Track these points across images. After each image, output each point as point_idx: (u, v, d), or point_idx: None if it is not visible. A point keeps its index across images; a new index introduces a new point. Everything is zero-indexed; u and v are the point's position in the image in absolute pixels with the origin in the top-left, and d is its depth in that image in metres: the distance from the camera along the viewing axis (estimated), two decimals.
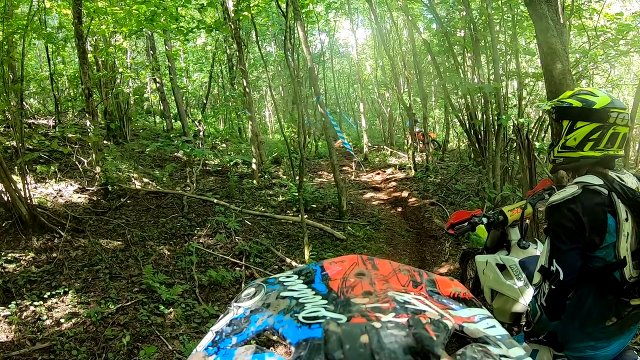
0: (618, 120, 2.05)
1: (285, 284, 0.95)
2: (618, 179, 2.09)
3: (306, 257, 6.15)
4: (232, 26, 9.82)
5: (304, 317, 0.77)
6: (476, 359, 0.66)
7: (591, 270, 2.08)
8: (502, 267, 3.37)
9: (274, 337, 0.76)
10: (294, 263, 6.20)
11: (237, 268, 5.93)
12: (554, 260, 2.06)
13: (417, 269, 1.02)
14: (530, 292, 3.08)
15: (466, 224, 3.45)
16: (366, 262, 1.02)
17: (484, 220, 3.43)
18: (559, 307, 2.11)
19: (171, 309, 4.72)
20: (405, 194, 10.80)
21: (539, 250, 3.36)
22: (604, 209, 2.02)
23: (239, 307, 0.90)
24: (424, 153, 13.67)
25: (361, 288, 0.87)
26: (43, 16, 8.49)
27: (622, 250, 2.02)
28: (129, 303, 4.71)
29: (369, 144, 18.23)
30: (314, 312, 0.78)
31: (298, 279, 0.96)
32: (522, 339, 2.43)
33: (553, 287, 2.06)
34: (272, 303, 0.87)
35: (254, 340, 0.78)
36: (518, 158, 8.75)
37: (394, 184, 12.17)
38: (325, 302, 0.82)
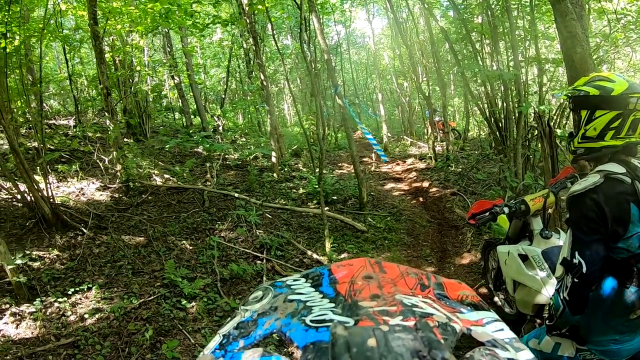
0: (638, 105, 1.97)
1: (292, 287, 0.95)
2: None
3: (327, 249, 6.15)
4: (248, 20, 9.83)
5: (311, 320, 0.77)
6: None
7: (614, 261, 2.03)
8: (524, 258, 3.34)
9: (282, 341, 0.75)
10: (315, 255, 6.20)
11: (258, 261, 5.95)
12: (576, 253, 2.01)
13: (425, 272, 1.03)
14: (553, 283, 3.03)
15: (487, 214, 3.42)
16: (374, 266, 1.02)
17: (506, 210, 3.40)
18: (582, 300, 2.06)
19: (193, 303, 4.76)
20: (426, 184, 10.71)
21: (561, 240, 3.32)
22: (627, 198, 1.97)
23: (247, 310, 0.90)
24: (444, 142, 13.54)
25: (369, 291, 0.88)
26: (59, 18, 8.58)
27: None
28: (152, 298, 4.76)
29: (389, 135, 18.12)
30: (322, 315, 0.79)
31: (305, 282, 0.97)
32: (545, 332, 2.38)
33: (576, 280, 2.01)
34: (279, 306, 0.87)
35: (261, 343, 0.78)
36: (539, 146, 8.65)
37: (414, 174, 12.09)
38: (333, 305, 0.83)
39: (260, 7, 9.23)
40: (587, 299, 2.05)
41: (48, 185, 5.92)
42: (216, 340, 0.82)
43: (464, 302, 0.93)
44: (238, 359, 0.72)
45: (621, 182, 1.98)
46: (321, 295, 0.88)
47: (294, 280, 0.99)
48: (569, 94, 2.18)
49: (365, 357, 0.60)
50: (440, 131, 14.00)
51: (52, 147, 7.82)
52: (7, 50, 5.73)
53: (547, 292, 3.06)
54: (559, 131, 7.75)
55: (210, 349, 0.79)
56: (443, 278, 1.01)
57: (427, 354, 0.61)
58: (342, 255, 6.30)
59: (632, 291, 2.01)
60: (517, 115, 8.01)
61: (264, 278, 5.50)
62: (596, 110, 2.06)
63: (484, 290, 4.89)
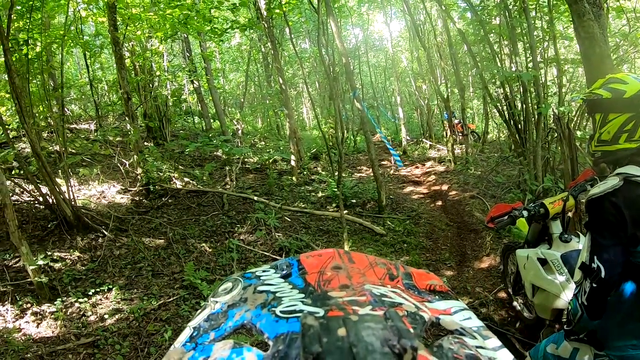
0: None
1: (262, 278, 0.95)
2: None
3: None
4: (266, 25, 9.90)
5: (281, 311, 0.77)
6: (453, 350, 0.66)
7: (633, 265, 1.98)
8: (543, 262, 3.30)
9: (252, 332, 0.76)
10: None
11: None
12: (595, 257, 1.97)
13: (393, 262, 1.03)
14: (572, 288, 3.00)
15: (506, 217, 3.39)
16: (343, 256, 1.02)
17: (525, 213, 3.37)
18: (601, 305, 2.02)
19: None
20: (445, 187, 10.64)
21: (581, 243, 3.27)
22: None
23: (216, 302, 0.90)
24: (463, 145, 13.45)
25: (338, 281, 0.88)
26: (79, 25, 8.74)
27: None
28: (171, 299, 4.81)
29: (408, 137, 18.05)
30: (291, 306, 0.79)
31: (275, 273, 0.97)
32: (563, 337, 2.35)
33: (594, 285, 1.97)
34: (249, 297, 0.87)
35: (232, 335, 0.79)
36: (559, 148, 8.54)
37: (433, 177, 12.02)
38: (303, 296, 0.83)
39: (278, 11, 9.30)
40: (606, 304, 2.02)
41: (69, 188, 6.03)
42: (186, 333, 0.82)
43: (433, 291, 0.93)
44: (209, 351, 0.72)
45: None
46: (291, 286, 0.88)
47: (263, 271, 0.99)
48: (584, 97, 2.16)
49: (335, 347, 0.60)
50: (460, 134, 13.90)
51: (73, 150, 7.96)
52: (29, 56, 5.85)
53: (566, 297, 3.02)
54: (578, 133, 7.67)
55: (181, 342, 0.79)
56: (411, 268, 1.02)
57: (397, 343, 0.60)
58: None
59: None
60: (536, 117, 7.93)
61: None
62: (609, 114, 2.04)
63: (503, 294, 4.84)
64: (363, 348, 0.59)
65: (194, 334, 0.80)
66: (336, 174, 10.26)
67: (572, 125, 6.34)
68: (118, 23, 7.67)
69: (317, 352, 0.59)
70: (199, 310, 0.91)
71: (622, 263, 1.96)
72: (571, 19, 5.14)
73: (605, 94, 2.04)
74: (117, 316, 4.43)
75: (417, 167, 14.11)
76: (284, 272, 0.96)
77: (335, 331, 0.64)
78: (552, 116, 8.64)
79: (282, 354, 0.65)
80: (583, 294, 2.04)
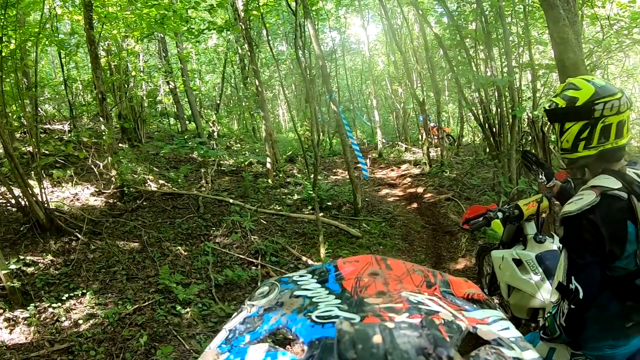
0: (605, 111, 1.90)
1: (299, 283, 0.95)
2: (637, 178, 1.97)
3: (322, 255, 6.15)
4: (243, 26, 9.85)
5: (317, 316, 0.77)
6: None
7: (611, 278, 1.98)
8: (518, 262, 3.35)
9: (288, 336, 0.77)
10: (309, 261, 6.20)
11: (253, 267, 5.95)
12: (573, 278, 1.95)
13: (431, 270, 1.03)
14: (547, 287, 3.06)
15: (481, 218, 3.44)
16: (380, 262, 1.02)
17: (500, 214, 3.42)
18: (580, 325, 2.02)
19: (188, 309, 4.75)
20: (420, 189, 10.74)
21: (555, 244, 3.34)
22: (623, 216, 1.91)
23: (253, 305, 0.90)
24: (439, 148, 13.59)
25: (375, 288, 0.88)
26: (55, 23, 8.56)
27: None
28: (146, 303, 4.74)
29: (384, 140, 18.16)
30: (327, 311, 0.79)
31: (312, 278, 0.97)
32: (539, 336, 2.37)
33: (572, 306, 1.96)
34: (285, 302, 0.87)
35: (267, 338, 0.79)
36: (533, 151, 8.68)
37: (409, 180, 12.11)
38: (339, 301, 0.83)
39: (255, 13, 9.27)
40: (585, 322, 2.02)
41: (42, 190, 5.90)
42: (222, 334, 0.82)
43: (470, 300, 0.93)
44: (244, 353, 0.72)
45: (618, 199, 1.91)
46: (327, 292, 0.88)
47: (300, 276, 0.99)
48: (546, 107, 2.14)
49: (370, 354, 0.60)
50: (435, 137, 14.04)
51: (46, 151, 7.79)
52: (3, 54, 5.71)
53: (541, 296, 3.08)
54: (552, 136, 7.79)
55: (217, 343, 0.80)
56: (449, 276, 1.02)
57: (433, 352, 0.61)
58: None
59: (629, 305, 1.98)
60: (511, 120, 8.06)
61: (259, 284, 5.47)
62: (565, 123, 2.04)
63: None
64: (398, 356, 0.60)
65: (230, 336, 0.81)
66: (312, 176, 10.27)
67: (546, 129, 6.45)
68: (94, 22, 7.54)
69: (352, 359, 0.60)
70: (235, 313, 0.91)
71: (599, 281, 1.95)
72: (546, 25, 5.23)
73: (560, 102, 2.02)
74: (91, 321, 4.35)
75: (392, 170, 14.21)
76: (321, 277, 0.96)
77: (370, 338, 0.64)
78: (526, 120, 8.80)
79: (317, 359, 0.65)
80: (561, 315, 2.02)
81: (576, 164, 2.11)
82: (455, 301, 0.90)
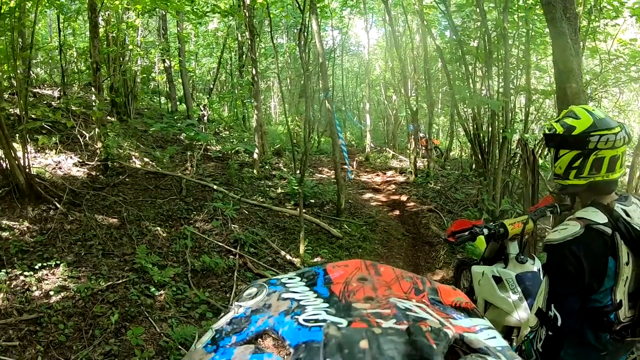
0: (600, 144, 1.91)
1: (287, 285, 0.94)
2: (624, 215, 1.98)
3: (301, 251, 6.12)
4: (247, 13, 9.78)
5: (304, 320, 0.76)
6: None
7: (585, 309, 2.00)
8: (498, 280, 3.36)
9: (274, 338, 0.76)
10: (288, 256, 6.17)
11: (231, 256, 5.90)
12: (553, 305, 1.98)
13: (420, 277, 1.02)
14: (524, 307, 3.09)
15: (467, 233, 3.44)
16: (369, 268, 1.01)
17: (485, 231, 3.42)
18: (556, 352, 2.04)
19: (162, 291, 4.70)
20: (404, 197, 10.77)
21: (536, 266, 3.36)
22: (605, 252, 1.92)
23: (240, 306, 0.89)
24: (426, 159, 13.66)
25: (363, 293, 0.87)
26: None
27: (618, 295, 1.95)
28: (120, 281, 4.68)
29: (372, 145, 18.20)
30: (315, 314, 0.78)
31: (300, 281, 0.96)
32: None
33: (550, 333, 1.98)
34: (273, 304, 0.86)
35: (254, 340, 0.78)
36: (519, 173, 8.78)
37: (393, 186, 12.15)
38: (327, 305, 0.82)
39: (261, 0, 9.20)
40: (560, 350, 2.04)
41: (26, 155, 5.79)
42: (209, 334, 0.81)
43: (458, 308, 0.93)
44: (230, 354, 0.72)
45: (602, 234, 1.92)
46: (315, 295, 0.88)
47: (289, 278, 0.98)
48: (546, 130, 2.16)
49: (356, 359, 0.60)
50: (423, 147, 14.12)
51: (33, 116, 7.63)
52: (2, 10, 5.57)
53: (517, 315, 3.11)
54: (540, 160, 7.89)
55: (203, 343, 0.79)
56: (438, 283, 1.01)
57: (419, 359, 0.60)
58: (316, 259, 6.28)
59: (601, 336, 2.02)
60: (501, 140, 8.12)
61: (236, 273, 5.45)
62: (560, 149, 2.05)
63: None
64: None
65: (216, 336, 0.80)
66: (298, 172, 10.25)
67: (537, 152, 6.53)
68: None
69: None
70: (222, 314, 0.91)
71: (577, 311, 1.97)
72: (548, 52, 5.31)
73: (558, 129, 2.03)
74: (62, 294, 4.27)
75: (377, 175, 14.25)
76: (310, 280, 0.95)
77: (357, 343, 0.64)
78: (516, 142, 8.89)
79: None
80: (538, 340, 2.04)
81: (566, 190, 2.13)
82: (443, 309, 0.90)
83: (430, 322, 0.77)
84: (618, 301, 1.95)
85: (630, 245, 1.92)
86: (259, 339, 0.81)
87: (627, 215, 1.98)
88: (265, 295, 0.91)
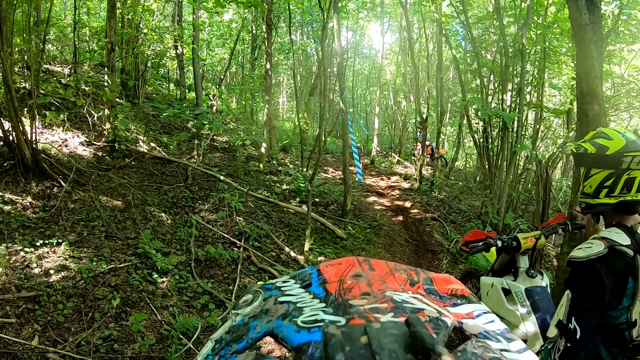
0: (632, 164, 1.99)
1: (282, 289, 0.94)
2: None
3: (306, 248, 6.06)
4: (267, 6, 9.71)
5: (302, 321, 0.76)
6: (477, 354, 0.66)
7: (601, 325, 2.07)
8: (507, 292, 3.41)
9: (274, 343, 0.73)
10: (292, 253, 6.10)
11: (235, 248, 5.83)
12: (573, 318, 2.04)
13: (413, 268, 1.02)
14: (532, 320, 3.14)
15: (481, 243, 3.49)
16: (362, 264, 1.01)
17: (499, 243, 3.48)
18: None
19: (164, 279, 4.62)
20: (407, 204, 10.74)
21: (544, 281, 3.41)
22: (626, 272, 1.99)
23: (237, 314, 0.89)
24: (431, 167, 13.65)
25: (359, 289, 0.87)
26: None
27: (634, 314, 2.02)
28: (122, 265, 4.60)
29: (378, 149, 18.18)
30: (313, 315, 0.77)
31: (295, 283, 0.95)
32: None
33: (569, 344, 2.03)
34: (270, 309, 0.86)
35: (254, 346, 0.77)
36: (523, 188, 8.77)
37: (397, 192, 12.11)
38: (324, 305, 0.81)
39: None
40: None
41: (34, 129, 5.71)
42: (208, 346, 0.81)
43: (454, 295, 0.94)
44: None
45: (624, 255, 1.99)
46: (311, 296, 0.87)
47: (284, 281, 0.97)
48: (574, 149, 2.22)
49: (358, 355, 0.60)
50: (429, 155, 14.11)
51: (43, 91, 7.56)
52: None
53: (524, 328, 3.13)
54: (553, 179, 7.87)
55: (203, 354, 0.78)
56: (432, 273, 1.01)
57: (420, 349, 0.60)
58: (320, 258, 6.22)
59: (614, 351, 2.07)
60: (510, 155, 8.09)
61: (239, 266, 5.38)
62: (592, 168, 2.12)
63: None
64: (386, 355, 0.59)
65: (216, 347, 0.79)
66: (305, 169, 10.20)
67: (550, 170, 6.52)
68: None
69: None
70: (220, 323, 0.88)
71: (595, 325, 2.04)
72: (574, 74, 5.24)
73: (590, 148, 2.10)
74: (63, 273, 4.19)
75: (382, 179, 14.24)
76: (304, 282, 0.95)
77: (357, 339, 0.64)
78: (523, 157, 8.87)
79: None
80: (557, 351, 2.10)
81: (594, 209, 2.19)
82: (439, 297, 0.91)
83: (428, 312, 0.77)
84: (633, 320, 2.02)
85: None
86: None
87: None
88: (262, 300, 0.91)
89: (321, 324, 0.72)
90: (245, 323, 0.83)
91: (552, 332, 2.15)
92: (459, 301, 0.90)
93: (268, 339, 0.76)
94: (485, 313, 0.85)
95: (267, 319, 0.81)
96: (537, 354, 2.37)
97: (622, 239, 2.01)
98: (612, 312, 2.03)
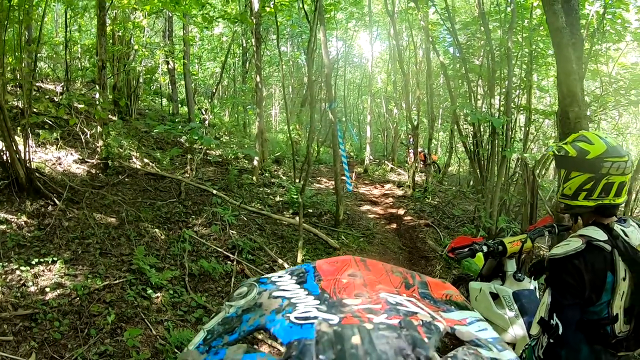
0: (612, 170, 2.06)
1: (277, 283, 0.95)
2: (622, 234, 2.11)
3: (299, 260, 6.11)
4: (255, 20, 9.81)
5: (295, 317, 0.77)
6: None
7: (583, 321, 2.11)
8: (495, 296, 3.40)
9: (266, 337, 0.77)
10: (286, 265, 6.15)
11: (229, 262, 5.87)
12: (555, 315, 2.08)
13: (410, 271, 1.04)
14: (520, 324, 3.13)
15: (467, 249, 3.48)
16: (359, 263, 1.03)
17: (485, 248, 3.46)
18: (556, 359, 2.13)
19: (159, 294, 4.66)
20: (401, 211, 10.77)
21: (532, 284, 3.40)
22: (605, 267, 2.04)
23: (231, 306, 0.90)
24: (424, 174, 13.69)
25: (353, 289, 0.88)
26: None
27: (615, 308, 2.06)
28: (117, 281, 4.64)
29: (371, 157, 18.22)
30: (306, 312, 0.78)
31: (290, 279, 0.97)
32: None
33: (551, 340, 2.08)
34: (264, 302, 0.87)
35: (245, 339, 0.78)
36: (516, 191, 8.83)
37: (391, 200, 12.14)
38: (318, 302, 0.83)
39: (268, 9, 9.24)
40: (561, 357, 2.13)
41: (27, 148, 5.76)
42: (200, 335, 0.82)
43: (448, 301, 0.94)
44: (222, 354, 0.72)
45: (601, 250, 2.04)
46: (306, 292, 0.88)
47: (279, 276, 0.98)
48: (555, 151, 2.28)
49: (349, 355, 0.61)
50: (422, 162, 14.15)
51: (36, 110, 7.61)
52: (12, 3, 5.56)
53: (513, 332, 3.13)
54: (539, 180, 7.91)
55: (195, 344, 0.79)
56: (427, 277, 1.02)
57: (411, 352, 0.61)
58: None
59: (597, 349, 2.13)
60: (500, 158, 8.15)
61: (233, 279, 5.42)
62: (572, 171, 2.17)
63: None
64: (377, 357, 0.60)
65: (208, 337, 0.80)
66: (297, 180, 10.24)
67: (537, 172, 6.56)
68: None
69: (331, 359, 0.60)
70: (214, 314, 0.90)
71: (577, 321, 2.09)
72: (550, 74, 5.36)
73: (571, 151, 2.16)
74: (58, 291, 4.23)
75: (376, 187, 14.25)
76: (300, 278, 0.96)
77: (349, 339, 0.65)
78: (515, 160, 8.94)
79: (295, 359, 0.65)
80: (540, 347, 2.14)
81: (572, 210, 2.27)
82: (433, 302, 0.91)
83: (422, 316, 0.78)
84: (614, 314, 2.06)
85: (628, 263, 2.04)
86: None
87: (626, 235, 2.12)
88: (256, 294, 0.91)
89: (314, 321, 0.74)
90: (239, 315, 0.84)
91: (535, 329, 2.19)
92: (452, 307, 0.91)
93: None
94: (478, 321, 0.86)
95: (260, 313, 0.83)
96: (522, 352, 2.41)
97: (599, 235, 2.08)
98: (593, 308, 2.08)
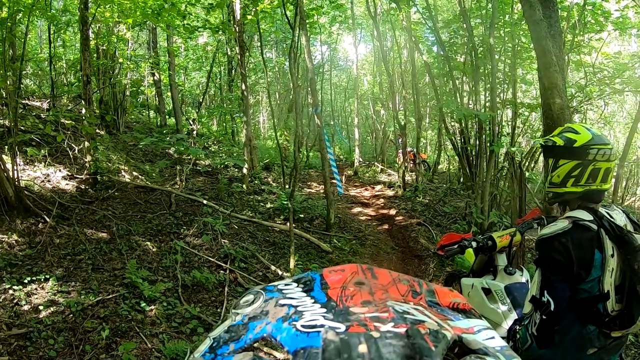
0: (598, 156, 2.15)
1: (284, 291, 0.94)
2: (607, 216, 2.19)
3: (291, 265, 6.12)
4: (237, 29, 9.83)
5: (302, 326, 0.77)
6: None
7: (576, 300, 2.17)
8: (487, 291, 3.39)
9: (273, 345, 0.77)
10: (279, 271, 6.16)
11: (222, 271, 5.87)
12: (546, 292, 2.14)
13: (416, 279, 1.03)
14: (513, 317, 3.12)
15: (456, 246, 3.47)
16: (366, 272, 1.02)
17: (474, 244, 3.45)
18: (549, 335, 2.19)
19: (152, 307, 4.66)
20: (392, 211, 10.81)
21: (524, 277, 3.40)
22: (592, 244, 2.12)
23: (237, 313, 0.89)
24: (414, 173, 13.73)
25: (360, 297, 0.88)
26: None
27: (606, 285, 2.11)
28: (110, 296, 4.64)
29: (360, 159, 18.24)
30: (313, 320, 0.78)
31: (297, 286, 0.96)
32: None
33: (544, 317, 2.13)
34: (270, 310, 0.87)
35: (252, 347, 0.78)
36: (507, 186, 8.88)
37: (382, 201, 12.18)
38: (324, 310, 0.82)
39: (251, 17, 9.26)
40: (554, 334, 2.19)
41: (15, 166, 5.74)
42: (206, 343, 0.81)
43: (456, 309, 0.94)
44: None
45: (588, 229, 2.13)
46: (312, 300, 0.88)
47: (286, 284, 0.98)
48: (542, 143, 2.37)
49: None
50: (411, 161, 14.19)
51: (22, 127, 7.59)
52: None
53: (506, 326, 3.13)
54: (527, 173, 7.98)
55: (201, 352, 0.79)
56: (435, 285, 1.02)
57: None
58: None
59: (591, 329, 2.17)
60: (488, 154, 8.20)
61: (226, 289, 5.43)
62: (560, 159, 2.26)
63: None
64: None
65: (214, 345, 0.80)
66: (287, 186, 10.25)
67: (524, 166, 6.61)
68: (89, 2, 7.40)
69: None
70: (220, 321, 0.91)
71: (568, 298, 2.15)
72: (535, 67, 5.40)
73: (558, 141, 2.25)
74: (52, 308, 4.23)
75: (366, 189, 14.27)
76: (306, 286, 0.96)
77: (355, 347, 0.65)
78: (503, 155, 8.99)
79: None
80: (533, 325, 2.20)
81: (561, 197, 2.34)
82: (440, 310, 0.91)
83: (429, 324, 0.77)
84: (605, 291, 2.12)
85: (615, 240, 2.13)
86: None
87: (611, 216, 2.20)
88: (262, 302, 0.91)
89: (320, 329, 0.73)
90: (245, 323, 0.84)
91: (527, 307, 2.25)
92: (460, 315, 0.91)
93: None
94: (485, 329, 0.86)
95: (266, 321, 0.82)
96: (515, 333, 2.45)
97: (585, 215, 2.17)
98: (584, 285, 2.15)
